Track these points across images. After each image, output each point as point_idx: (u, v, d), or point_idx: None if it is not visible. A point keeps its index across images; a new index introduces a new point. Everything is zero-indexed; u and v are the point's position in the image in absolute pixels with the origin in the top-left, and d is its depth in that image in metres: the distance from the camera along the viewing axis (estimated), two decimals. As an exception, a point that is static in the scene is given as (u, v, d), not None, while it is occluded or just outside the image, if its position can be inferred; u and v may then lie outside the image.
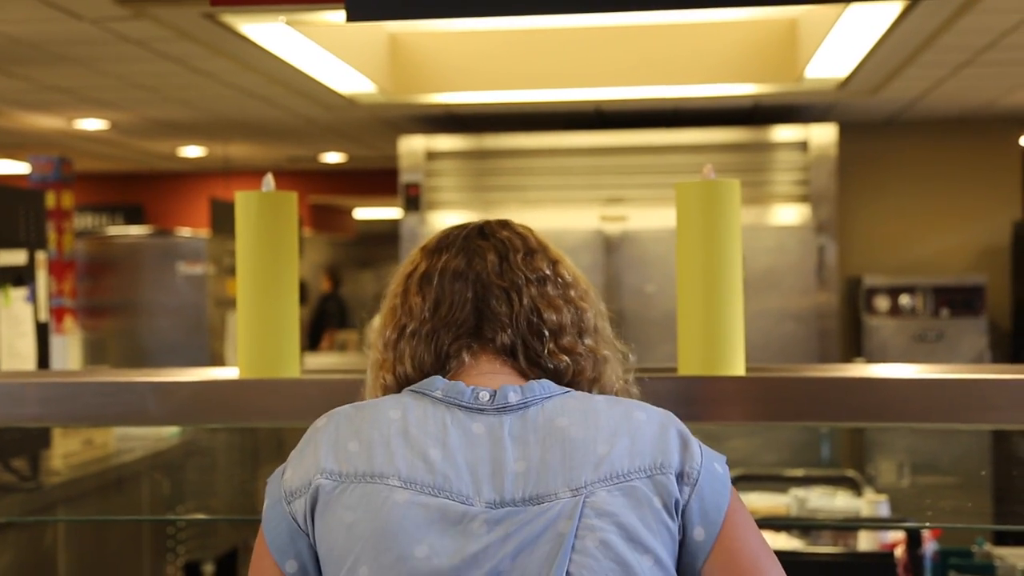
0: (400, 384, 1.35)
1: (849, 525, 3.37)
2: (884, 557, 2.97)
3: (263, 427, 4.55)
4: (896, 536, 3.08)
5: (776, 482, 3.96)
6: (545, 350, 1.33)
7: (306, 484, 1.26)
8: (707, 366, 1.71)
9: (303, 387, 1.77)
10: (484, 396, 1.28)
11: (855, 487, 3.86)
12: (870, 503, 3.49)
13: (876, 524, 3.29)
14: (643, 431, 1.26)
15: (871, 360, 6.18)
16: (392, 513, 1.21)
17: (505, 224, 1.43)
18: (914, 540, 2.93)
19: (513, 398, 1.28)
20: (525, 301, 1.34)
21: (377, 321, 1.43)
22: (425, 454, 1.24)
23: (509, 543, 1.19)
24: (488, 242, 1.38)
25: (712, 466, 1.26)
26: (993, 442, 4.15)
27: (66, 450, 4.27)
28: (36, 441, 4.05)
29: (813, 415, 1.74)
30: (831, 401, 1.70)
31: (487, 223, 1.42)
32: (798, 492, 3.72)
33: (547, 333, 1.33)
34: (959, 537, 3.10)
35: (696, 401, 1.71)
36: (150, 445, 4.78)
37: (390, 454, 1.25)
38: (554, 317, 1.34)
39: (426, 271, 1.37)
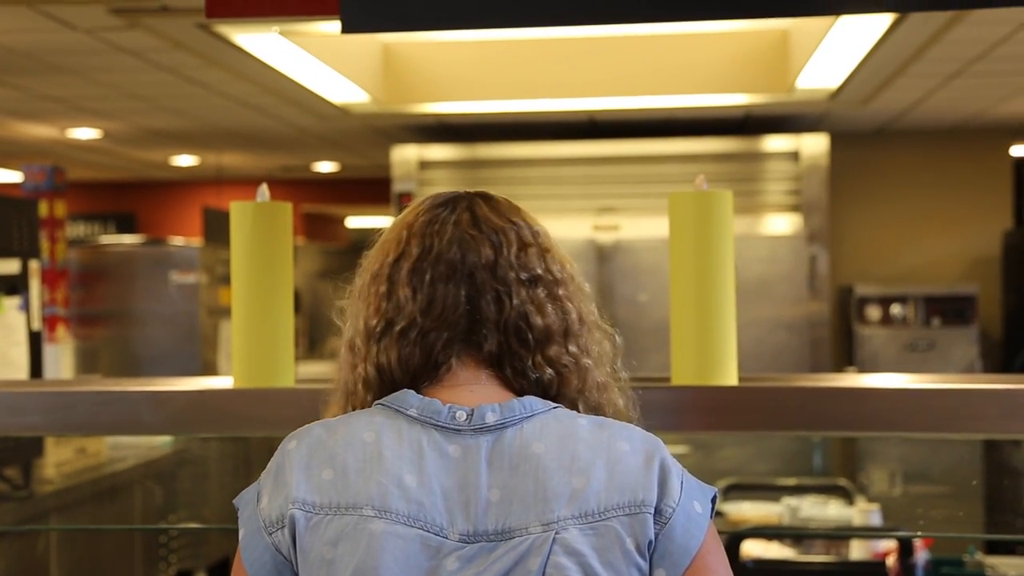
0: (383, 378, 1.30)
1: (841, 534, 3.37)
2: (876, 566, 2.98)
3: (256, 436, 4.55)
4: (888, 545, 3.10)
5: (768, 491, 3.97)
6: (530, 361, 1.28)
7: (282, 515, 1.22)
8: (700, 376, 1.72)
9: (297, 396, 1.77)
10: (461, 416, 1.24)
11: (847, 496, 3.87)
12: (862, 512, 3.50)
13: (868, 533, 3.30)
14: (624, 464, 1.21)
15: (862, 369, 6.20)
16: (371, 546, 1.18)
17: (494, 205, 1.34)
18: (906, 549, 2.94)
19: (491, 418, 1.23)
20: (515, 303, 1.27)
21: (349, 302, 1.35)
22: (400, 480, 1.20)
23: None
24: (482, 233, 1.30)
25: (690, 505, 1.21)
26: (984, 452, 4.17)
27: (59, 459, 4.26)
28: (29, 450, 4.05)
29: (805, 425, 1.75)
30: (823, 411, 1.71)
31: (476, 204, 1.34)
32: (790, 501, 3.73)
33: (532, 341, 1.28)
34: (951, 546, 3.11)
35: (689, 411, 1.72)
36: (143, 454, 4.78)
37: (365, 480, 1.21)
38: (540, 322, 1.28)
39: (416, 262, 1.29)
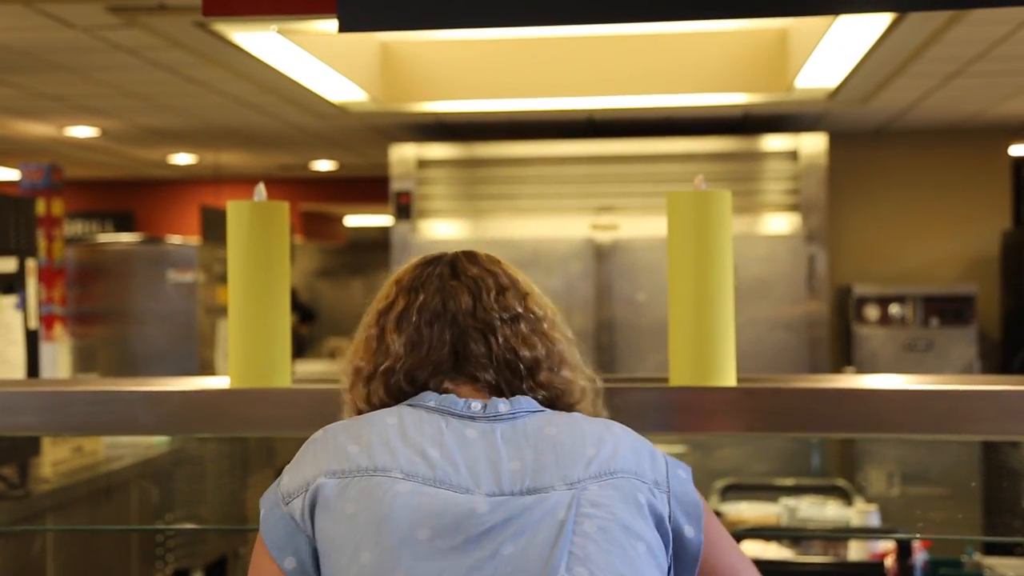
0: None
1: (839, 535, 3.37)
2: (874, 567, 2.98)
3: (253, 436, 4.54)
4: (886, 546, 3.09)
5: (767, 491, 3.96)
6: (524, 385, 1.40)
7: (304, 485, 1.30)
8: (698, 377, 1.72)
9: (294, 396, 1.77)
10: (476, 406, 1.35)
11: (845, 497, 3.87)
12: (860, 513, 3.49)
13: (866, 534, 3.30)
14: (622, 441, 1.36)
15: (861, 369, 6.20)
16: (395, 501, 1.25)
17: (474, 259, 1.47)
18: (904, 550, 2.94)
19: (503, 409, 1.35)
20: (501, 340, 1.40)
21: (349, 350, 1.47)
22: (424, 452, 1.29)
23: (510, 527, 1.24)
24: (460, 282, 1.43)
25: (677, 472, 1.36)
26: (983, 453, 4.16)
27: (55, 458, 4.26)
28: (25, 449, 4.04)
29: (804, 426, 1.75)
30: (822, 412, 1.70)
31: (457, 259, 1.47)
32: (788, 501, 3.73)
33: (524, 369, 1.40)
34: (949, 547, 3.10)
35: (688, 412, 1.71)
36: (140, 453, 4.77)
37: (391, 451, 1.30)
38: (528, 354, 1.40)
39: (403, 311, 1.42)
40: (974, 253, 6.84)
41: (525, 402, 1.37)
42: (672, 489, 1.33)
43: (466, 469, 1.29)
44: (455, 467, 1.28)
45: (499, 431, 1.33)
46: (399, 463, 1.28)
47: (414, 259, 1.50)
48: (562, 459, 1.30)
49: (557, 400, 1.42)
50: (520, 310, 1.43)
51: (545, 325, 1.44)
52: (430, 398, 1.36)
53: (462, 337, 1.40)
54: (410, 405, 1.37)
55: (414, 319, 1.41)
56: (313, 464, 1.31)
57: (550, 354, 1.42)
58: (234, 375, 1.80)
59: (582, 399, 1.45)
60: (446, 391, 1.38)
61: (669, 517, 1.32)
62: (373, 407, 1.41)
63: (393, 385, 1.40)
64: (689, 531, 1.33)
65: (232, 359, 1.80)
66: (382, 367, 1.40)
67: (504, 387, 1.39)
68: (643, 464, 1.34)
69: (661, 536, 1.31)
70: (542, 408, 1.38)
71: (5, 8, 3.88)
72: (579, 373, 1.46)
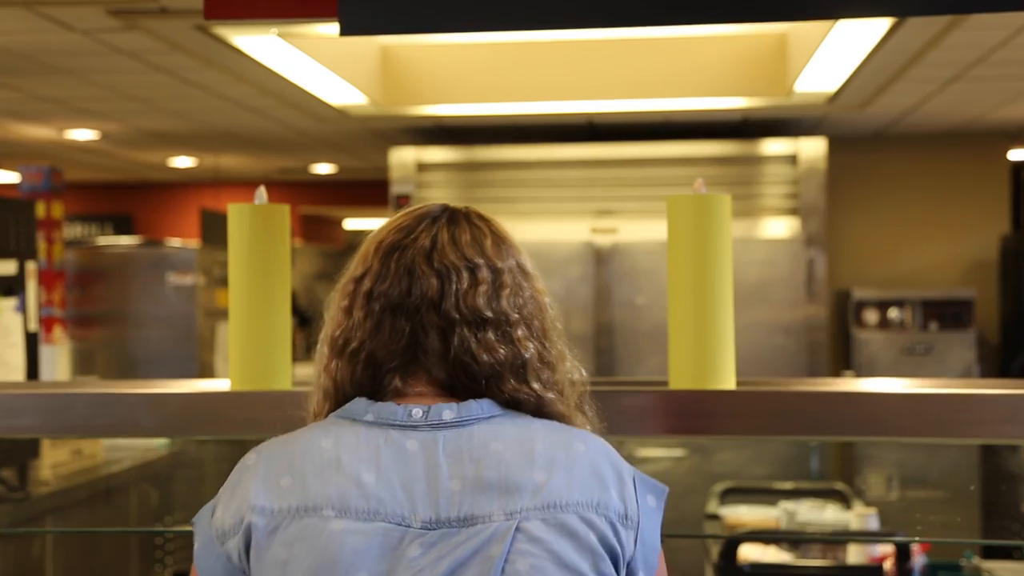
0: (337, 392, 1.33)
1: (838, 538, 3.37)
2: (873, 570, 2.98)
3: (254, 439, 4.54)
4: (885, 549, 3.09)
5: (765, 495, 3.96)
6: (482, 388, 1.29)
7: (238, 523, 1.23)
8: (698, 380, 1.72)
9: (294, 399, 1.77)
10: (417, 413, 1.26)
11: (844, 500, 3.87)
12: (859, 516, 3.50)
13: (865, 537, 3.30)
14: (582, 464, 1.24)
15: (860, 373, 6.20)
16: (329, 544, 1.19)
17: (456, 240, 1.33)
18: (903, 553, 2.94)
19: (447, 415, 1.26)
20: (456, 342, 1.28)
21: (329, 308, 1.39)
22: (358, 479, 1.22)
23: (441, 565, 1.18)
24: (432, 269, 1.30)
25: (646, 501, 1.26)
26: (982, 457, 4.17)
27: (55, 460, 4.26)
28: (25, 451, 4.05)
29: (803, 429, 1.75)
30: (821, 416, 1.70)
31: (440, 231, 1.34)
32: (787, 505, 3.73)
33: (481, 376, 1.28)
34: (948, 551, 3.11)
35: (687, 415, 1.71)
36: (139, 455, 4.77)
37: (323, 483, 1.22)
38: (487, 359, 1.28)
39: (372, 287, 1.32)
40: (973, 257, 6.85)
41: (475, 407, 1.27)
42: (641, 527, 1.24)
43: (403, 491, 1.21)
44: (391, 491, 1.21)
45: (441, 442, 1.24)
46: (330, 498, 1.21)
47: (400, 214, 1.39)
48: (506, 483, 1.21)
49: (520, 405, 1.30)
50: (488, 313, 1.29)
51: (519, 331, 1.31)
52: (367, 410, 1.27)
53: (420, 332, 1.29)
54: (349, 419, 1.28)
55: (379, 302, 1.31)
56: (244, 495, 1.24)
57: (517, 363, 1.30)
58: (235, 378, 1.81)
59: (554, 412, 1.32)
60: (395, 389, 1.30)
61: (628, 561, 1.23)
62: (333, 383, 1.32)
63: (356, 373, 1.31)
64: None
65: (233, 362, 1.81)
66: (350, 347, 1.32)
67: (460, 389, 1.29)
68: (607, 493, 1.23)
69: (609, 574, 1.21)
70: (497, 411, 1.28)
71: (6, 11, 3.88)
72: (554, 376, 1.33)
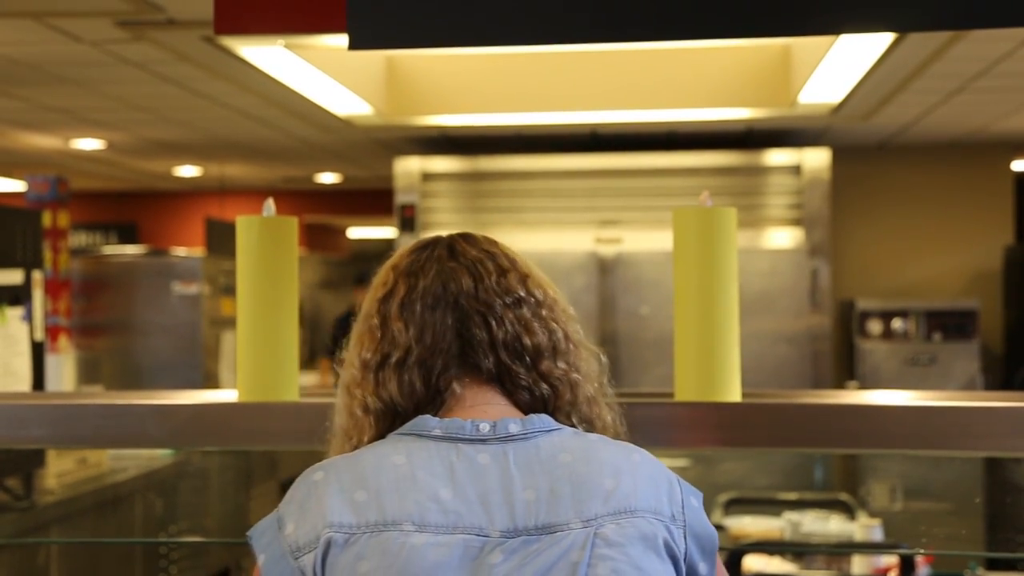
0: (388, 408, 1.34)
1: (843, 550, 3.37)
2: (877, 582, 2.98)
3: (261, 450, 4.55)
4: (890, 561, 3.10)
5: (770, 506, 3.97)
6: (528, 377, 1.35)
7: (314, 539, 1.23)
8: (703, 392, 1.73)
9: (302, 410, 1.78)
10: (485, 427, 1.29)
11: (849, 511, 3.87)
12: (864, 527, 3.50)
13: (870, 549, 3.30)
14: (642, 472, 1.30)
15: (863, 383, 6.20)
16: (411, 556, 1.20)
17: (472, 241, 1.42)
18: (907, 565, 2.94)
19: (514, 429, 1.30)
20: (504, 324, 1.35)
21: (349, 345, 1.41)
22: (436, 495, 1.24)
23: (526, 571, 1.21)
24: (459, 264, 1.38)
25: (690, 502, 1.31)
26: (986, 469, 4.17)
27: (60, 469, 4.26)
28: (30, 460, 4.05)
29: (809, 442, 1.76)
30: (826, 428, 1.71)
31: (455, 241, 1.42)
32: (792, 516, 3.73)
33: (528, 358, 1.35)
34: (952, 563, 3.11)
35: (693, 427, 1.72)
36: (144, 464, 4.78)
37: (400, 499, 1.24)
38: (529, 341, 1.35)
39: (405, 297, 1.36)
40: (976, 268, 6.85)
41: (537, 420, 1.31)
42: (688, 522, 1.29)
43: (479, 503, 1.24)
44: (468, 504, 1.24)
45: (512, 454, 1.27)
46: (410, 514, 1.23)
47: (409, 244, 1.45)
48: (578, 492, 1.25)
49: (559, 398, 1.36)
50: (522, 293, 1.37)
51: (544, 311, 1.38)
52: (433, 424, 1.30)
53: (465, 322, 1.34)
54: (416, 435, 1.30)
55: (417, 305, 1.35)
56: (320, 511, 1.24)
57: (550, 341, 1.36)
58: (242, 389, 1.81)
59: (581, 398, 1.38)
60: (453, 394, 1.33)
61: (685, 556, 1.27)
62: (382, 401, 1.34)
63: (407, 383, 1.33)
64: (703, 568, 1.29)
65: (240, 373, 1.81)
66: (393, 359, 1.34)
67: (505, 378, 1.34)
68: (662, 498, 1.28)
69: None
70: (556, 426, 1.32)
71: (15, 22, 3.90)
72: (579, 359, 1.39)
